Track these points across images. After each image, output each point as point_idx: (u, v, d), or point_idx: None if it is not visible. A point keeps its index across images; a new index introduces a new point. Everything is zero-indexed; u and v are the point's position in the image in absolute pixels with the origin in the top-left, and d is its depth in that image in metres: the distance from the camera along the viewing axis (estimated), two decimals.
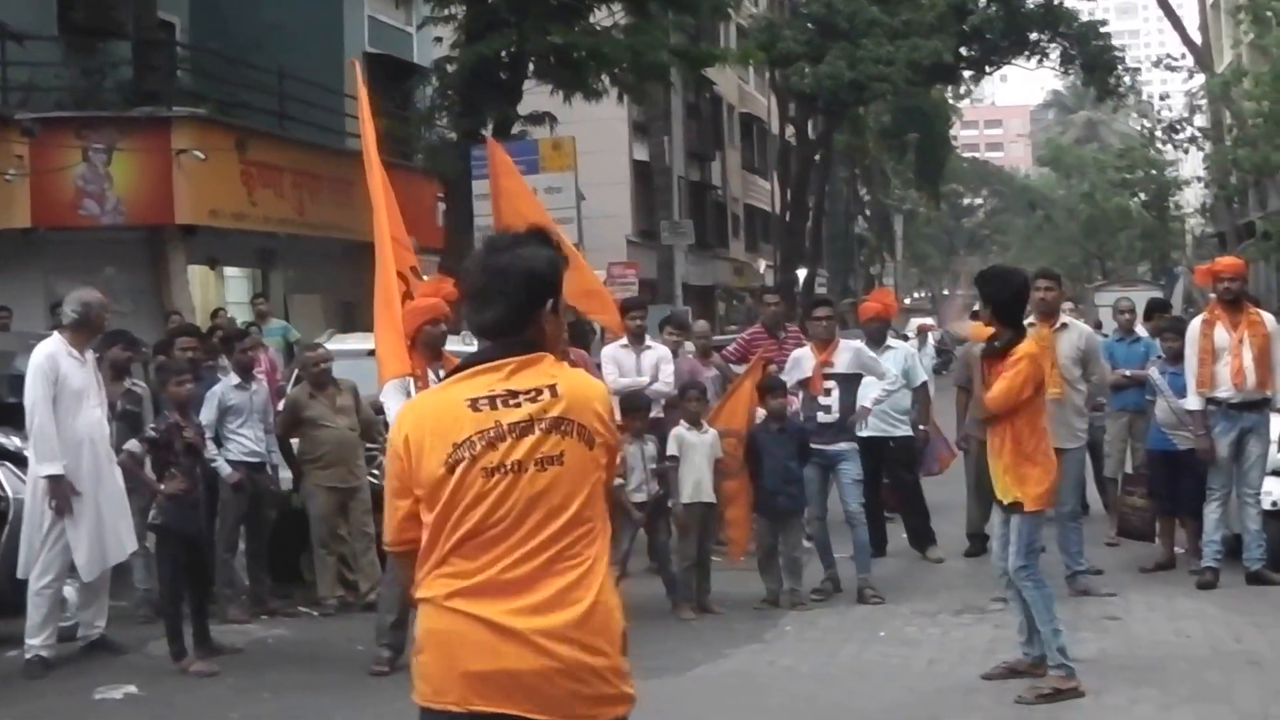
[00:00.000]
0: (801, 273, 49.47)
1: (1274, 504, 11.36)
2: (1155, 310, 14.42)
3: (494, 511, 3.62)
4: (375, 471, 10.96)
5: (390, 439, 3.82)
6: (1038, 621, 8.23)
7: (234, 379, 11.36)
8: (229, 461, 11.02)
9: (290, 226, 22.12)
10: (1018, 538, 8.22)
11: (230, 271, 22.84)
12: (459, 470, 3.63)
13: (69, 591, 9.89)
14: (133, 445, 9.72)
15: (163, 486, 9.47)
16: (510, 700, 3.60)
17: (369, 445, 11.31)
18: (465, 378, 3.72)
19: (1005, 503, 8.23)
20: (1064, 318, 11.35)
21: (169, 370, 10.12)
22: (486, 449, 3.63)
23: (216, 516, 10.90)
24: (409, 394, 9.02)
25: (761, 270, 60.61)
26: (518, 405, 3.65)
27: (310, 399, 11.29)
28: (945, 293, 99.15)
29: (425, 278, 9.94)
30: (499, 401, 3.65)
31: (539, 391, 3.66)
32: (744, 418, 11.51)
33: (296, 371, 12.49)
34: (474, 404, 3.66)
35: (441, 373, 9.10)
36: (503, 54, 22.61)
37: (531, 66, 23.28)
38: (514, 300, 3.72)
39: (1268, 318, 11.48)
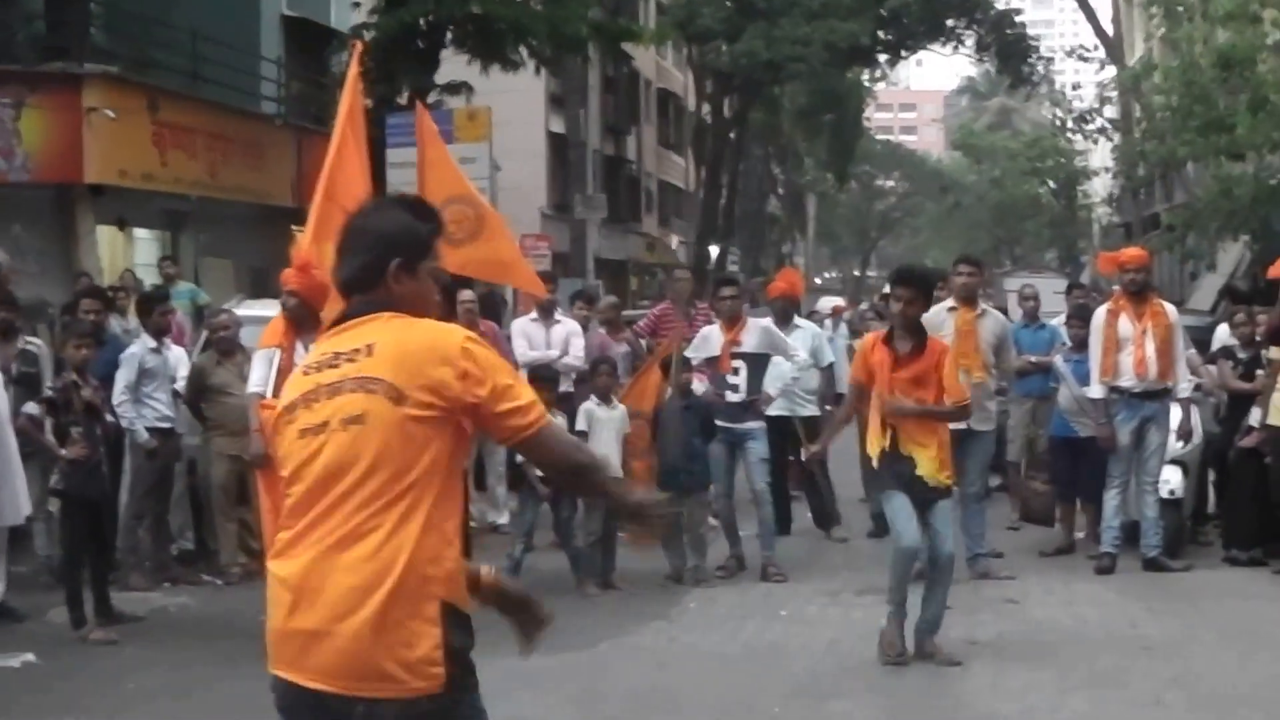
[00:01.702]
0: (714, 250, 49.60)
1: (1171, 492, 11.56)
2: (1075, 287, 14.88)
3: (305, 473, 3.58)
4: None
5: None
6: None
7: (149, 342, 11.17)
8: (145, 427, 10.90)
9: (202, 189, 21.81)
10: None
11: (139, 233, 22.48)
12: (285, 434, 3.65)
13: None
14: (31, 408, 9.58)
15: (63, 451, 9.34)
16: (294, 666, 3.53)
17: None
18: (316, 344, 3.81)
19: (942, 486, 8.46)
20: (982, 304, 11.50)
21: (71, 331, 9.99)
22: (304, 412, 3.62)
23: (120, 480, 10.77)
24: (271, 364, 9.00)
25: (674, 246, 60.69)
26: (335, 366, 3.61)
27: (216, 366, 11.18)
28: (856, 274, 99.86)
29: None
30: (325, 365, 3.64)
31: (357, 351, 3.60)
32: (652, 400, 11.52)
33: (205, 336, 12.37)
34: (305, 369, 3.72)
35: (312, 346, 9.04)
36: (421, 22, 22.45)
37: (450, 35, 23.13)
38: (363, 258, 3.70)
39: (1170, 309, 11.67)
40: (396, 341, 3.59)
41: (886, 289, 17.59)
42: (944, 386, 8.47)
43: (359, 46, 10.78)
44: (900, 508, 8.40)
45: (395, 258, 3.69)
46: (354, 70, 9.84)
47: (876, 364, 8.55)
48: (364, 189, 9.02)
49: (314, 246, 9.03)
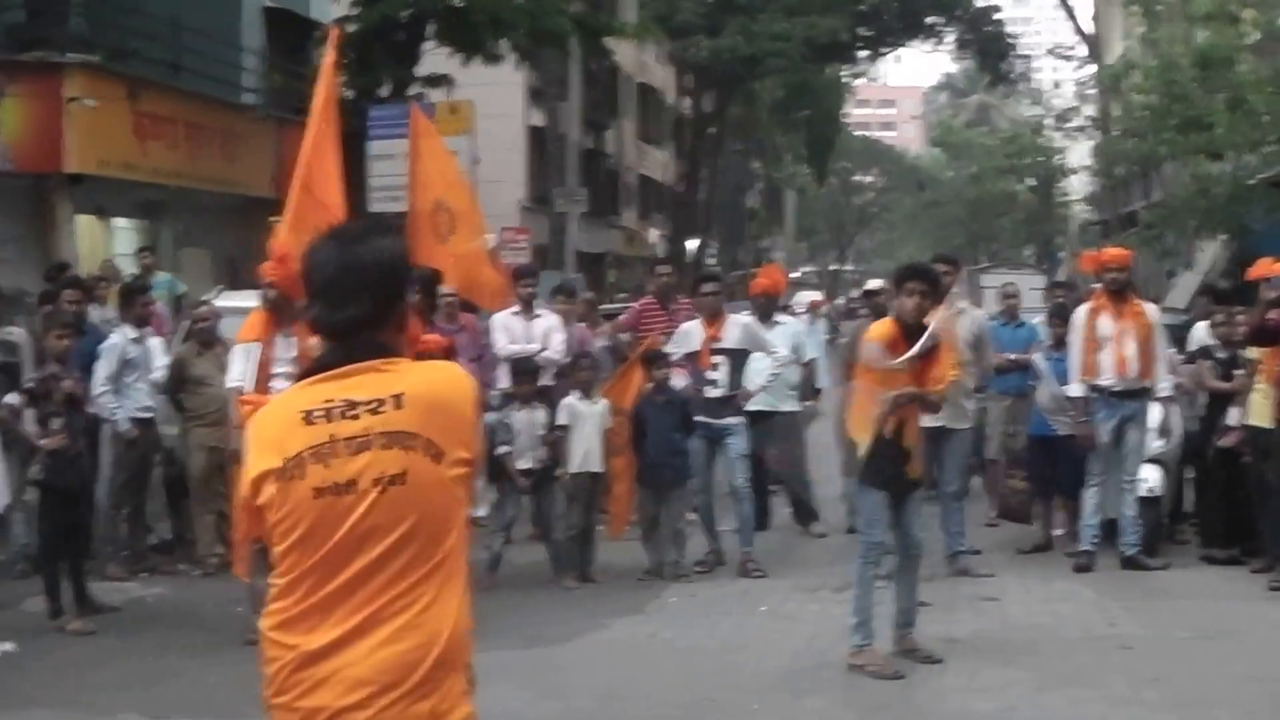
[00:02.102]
0: (692, 243, 49.67)
1: (1149, 491, 11.61)
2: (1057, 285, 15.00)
3: (322, 536, 3.22)
4: None
5: (245, 447, 3.41)
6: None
7: (130, 332, 11.12)
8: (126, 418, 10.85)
9: (181, 179, 21.75)
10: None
11: (118, 222, 22.42)
12: (292, 492, 3.23)
13: None
14: (11, 398, 9.55)
15: (43, 442, 9.32)
16: None
17: None
18: (307, 386, 3.33)
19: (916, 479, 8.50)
20: (960, 302, 11.54)
21: (53, 321, 9.96)
22: (317, 467, 3.22)
23: (97, 470, 10.73)
24: (250, 358, 8.98)
25: (652, 240, 60.66)
26: (355, 418, 3.24)
27: (197, 357, 11.16)
28: (833, 268, 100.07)
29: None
30: (336, 413, 3.24)
31: (381, 402, 3.24)
32: (633, 397, 11.53)
33: (187, 327, 12.33)
34: (308, 416, 3.26)
35: (293, 339, 9.03)
36: (402, 14, 22.41)
37: (431, 29, 23.12)
38: (376, 295, 3.33)
39: (1151, 309, 11.74)
40: (428, 393, 3.31)
41: (871, 284, 17.62)
42: (934, 377, 8.43)
43: (335, 33, 10.69)
44: (877, 504, 8.40)
45: (408, 294, 3.48)
46: (330, 58, 9.77)
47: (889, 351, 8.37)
48: (338, 181, 9.02)
49: (291, 237, 9.01)
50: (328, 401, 3.25)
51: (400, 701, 3.20)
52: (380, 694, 3.19)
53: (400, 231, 3.56)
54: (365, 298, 3.31)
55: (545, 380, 11.77)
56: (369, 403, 3.24)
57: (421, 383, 3.31)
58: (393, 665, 3.20)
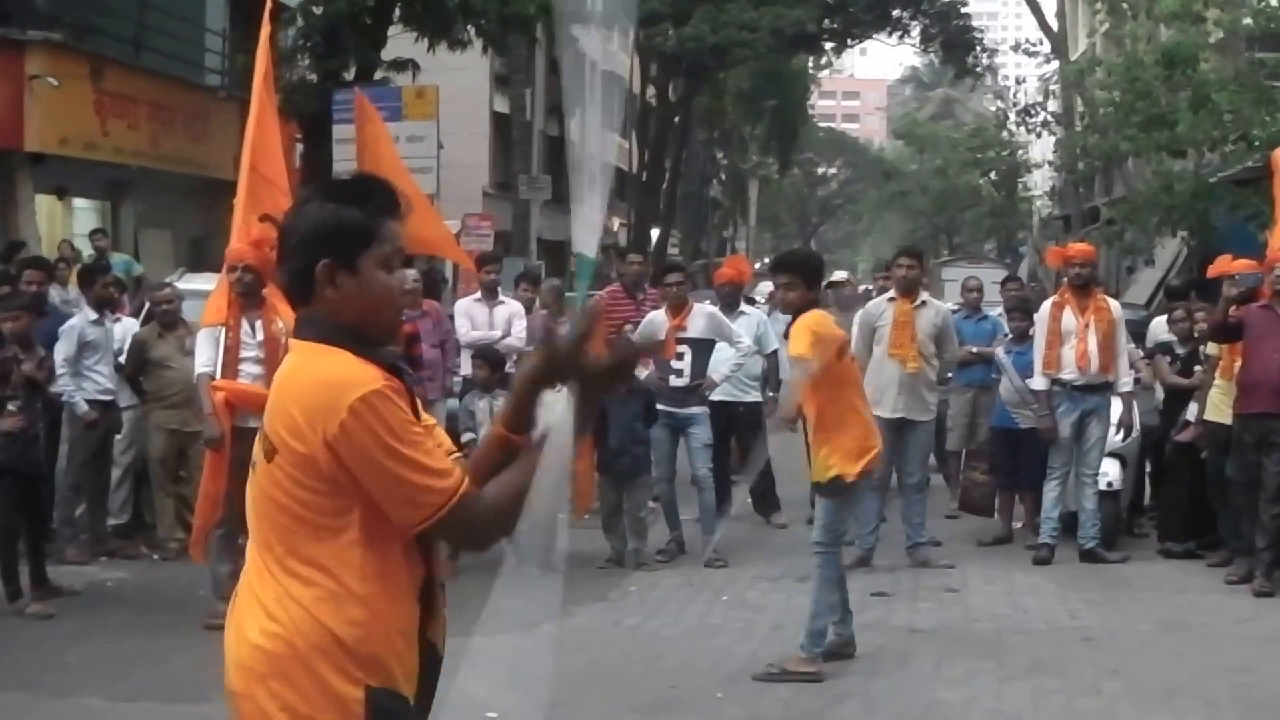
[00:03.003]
0: (655, 232, 49.75)
1: (1110, 485, 11.72)
2: (1010, 280, 15.13)
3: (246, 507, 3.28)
4: None
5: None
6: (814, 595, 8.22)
7: (90, 314, 11.04)
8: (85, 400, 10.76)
9: (143, 159, 21.63)
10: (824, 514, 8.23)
11: (79, 203, 22.28)
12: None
13: None
14: None
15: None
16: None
17: None
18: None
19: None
20: (923, 295, 11.59)
21: (10, 303, 9.87)
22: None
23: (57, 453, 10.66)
24: (218, 343, 8.92)
25: (616, 228, 60.74)
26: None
27: (158, 339, 11.09)
28: None
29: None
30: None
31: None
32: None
33: (147, 308, 12.24)
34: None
35: (259, 324, 8.98)
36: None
37: (398, 13, 23.02)
38: (289, 265, 3.25)
39: (1114, 304, 11.84)
40: (278, 384, 3.25)
41: (835, 275, 17.64)
42: None
43: (270, 3, 10.51)
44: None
45: (322, 259, 3.18)
46: (266, 30, 9.67)
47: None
48: (280, 155, 8.98)
49: (251, 219, 8.96)
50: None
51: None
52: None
53: (344, 191, 3.32)
54: (284, 266, 3.30)
55: (507, 367, 11.75)
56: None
57: (284, 371, 3.27)
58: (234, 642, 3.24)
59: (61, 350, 10.46)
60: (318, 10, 22.67)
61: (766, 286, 20.48)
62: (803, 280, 8.17)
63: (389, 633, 3.16)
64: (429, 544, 3.26)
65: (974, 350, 13.03)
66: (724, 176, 73.16)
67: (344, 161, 18.01)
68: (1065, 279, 11.78)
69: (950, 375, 12.68)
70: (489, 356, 11.26)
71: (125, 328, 11.52)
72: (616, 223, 59.57)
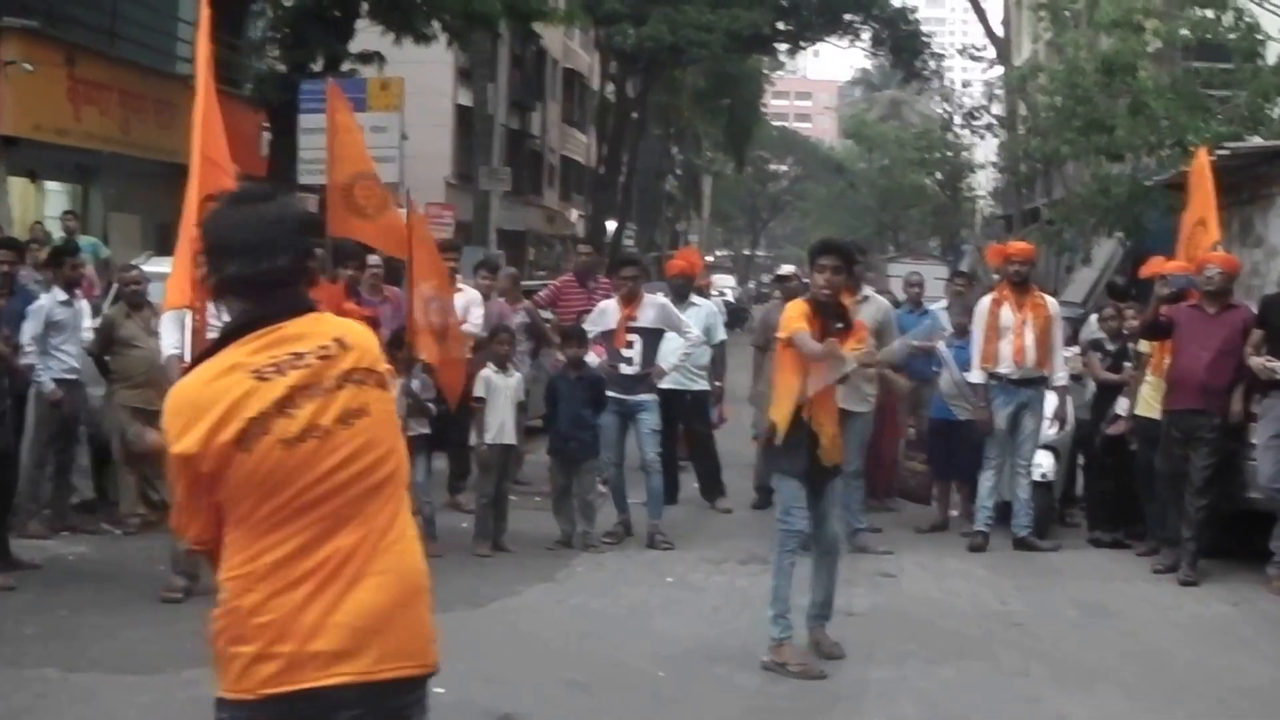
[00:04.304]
0: (611, 225, 50.07)
1: (1043, 475, 12.05)
2: (957, 275, 15.60)
3: (303, 483, 3.32)
4: None
5: (166, 430, 3.42)
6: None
7: (59, 294, 11.12)
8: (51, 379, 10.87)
9: (113, 145, 21.71)
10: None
11: (50, 185, 22.41)
12: (255, 447, 3.30)
13: None
14: None
15: None
16: (339, 664, 3.33)
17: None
18: (241, 345, 3.38)
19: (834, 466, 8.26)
20: (866, 290, 11.84)
21: None
22: (282, 419, 3.31)
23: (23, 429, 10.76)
24: (183, 325, 8.99)
25: (573, 219, 61.10)
26: (307, 366, 3.36)
27: (125, 319, 11.24)
28: (746, 253, 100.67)
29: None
30: (286, 367, 3.34)
31: (325, 347, 3.40)
32: None
33: (116, 289, 12.38)
34: (259, 373, 3.33)
35: (224, 304, 9.04)
36: None
37: (365, 7, 23.29)
38: (294, 250, 3.46)
39: (1051, 301, 12.16)
40: (356, 334, 3.50)
41: (783, 269, 17.88)
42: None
43: None
44: (794, 489, 8.11)
45: (316, 247, 3.67)
46: (206, 13, 9.62)
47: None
48: (222, 138, 9.04)
49: (200, 201, 9.01)
50: (273, 357, 3.35)
51: (422, 608, 3.50)
52: (403, 604, 3.42)
53: (292, 191, 3.69)
54: (286, 253, 3.44)
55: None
56: (314, 350, 3.38)
57: (347, 327, 3.51)
58: (407, 576, 3.46)
59: (29, 329, 10.55)
60: (287, 3, 22.87)
61: (720, 280, 20.70)
62: (846, 265, 8.42)
63: None
64: None
65: (914, 344, 13.31)
66: (679, 172, 73.52)
67: (310, 150, 18.16)
68: (1004, 276, 12.08)
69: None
70: None
71: (86, 309, 11.64)
72: (575, 214, 59.93)
